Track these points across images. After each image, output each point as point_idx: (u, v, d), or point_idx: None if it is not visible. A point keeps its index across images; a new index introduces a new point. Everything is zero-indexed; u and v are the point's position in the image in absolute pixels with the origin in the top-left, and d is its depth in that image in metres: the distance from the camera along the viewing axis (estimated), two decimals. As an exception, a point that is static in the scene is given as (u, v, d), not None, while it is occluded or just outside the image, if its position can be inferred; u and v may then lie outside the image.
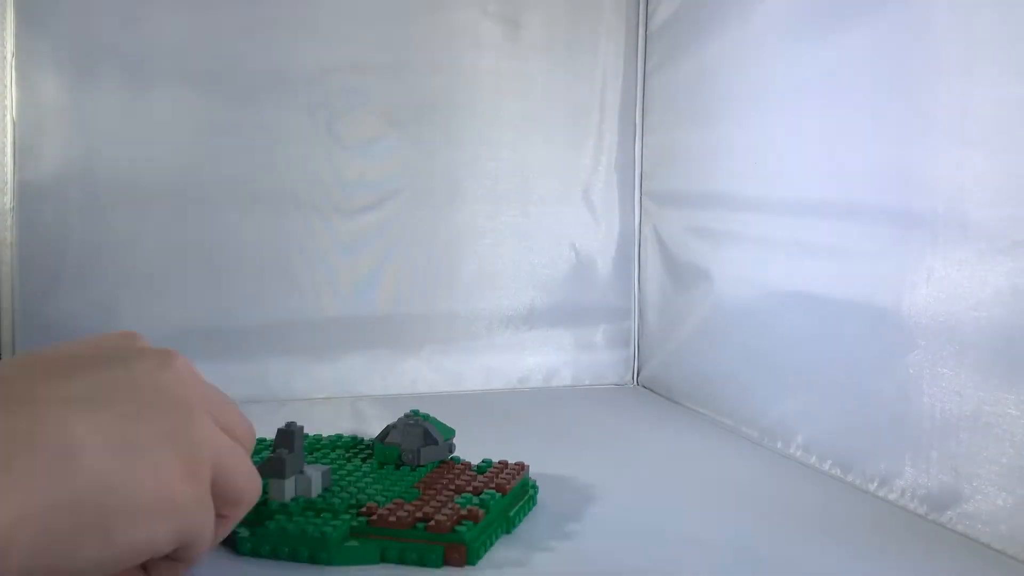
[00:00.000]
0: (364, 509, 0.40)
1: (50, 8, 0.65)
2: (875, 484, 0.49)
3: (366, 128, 0.73)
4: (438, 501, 0.41)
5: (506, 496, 0.43)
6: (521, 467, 0.47)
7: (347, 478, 0.45)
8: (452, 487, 0.43)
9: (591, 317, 0.79)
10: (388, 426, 0.49)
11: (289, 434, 0.42)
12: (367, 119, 0.73)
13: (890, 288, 0.48)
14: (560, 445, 0.57)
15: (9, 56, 0.65)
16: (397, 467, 0.47)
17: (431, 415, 0.50)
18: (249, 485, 0.32)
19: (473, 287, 0.76)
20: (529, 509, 0.45)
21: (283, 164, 0.71)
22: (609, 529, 0.43)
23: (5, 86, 0.65)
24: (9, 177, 0.65)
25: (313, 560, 0.38)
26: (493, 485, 0.43)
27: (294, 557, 0.38)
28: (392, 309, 0.74)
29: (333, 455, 0.49)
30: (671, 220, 0.74)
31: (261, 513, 0.39)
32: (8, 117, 0.65)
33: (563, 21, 0.77)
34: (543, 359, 0.78)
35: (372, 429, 0.54)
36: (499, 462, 0.47)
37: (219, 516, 0.31)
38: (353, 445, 0.51)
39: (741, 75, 0.64)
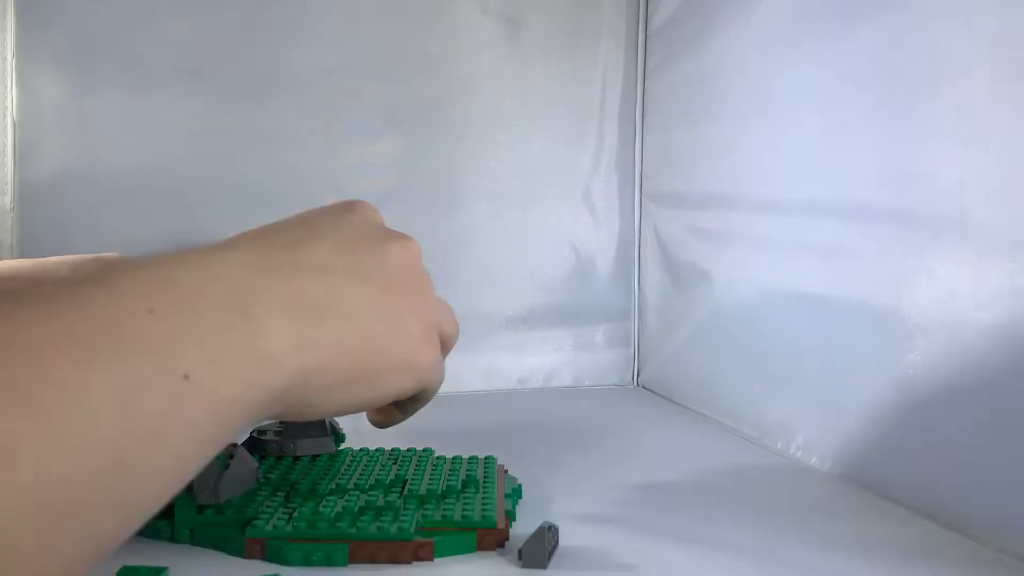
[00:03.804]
0: None
1: (50, 8, 0.65)
2: (875, 484, 0.49)
3: (366, 128, 0.73)
4: None
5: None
6: None
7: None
8: None
9: (591, 317, 0.79)
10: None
11: None
12: (367, 119, 0.73)
13: (890, 288, 0.48)
14: (560, 445, 0.57)
15: (9, 56, 0.65)
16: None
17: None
18: (455, 331, 0.39)
19: (473, 287, 0.76)
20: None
21: (283, 164, 0.71)
22: (608, 529, 0.43)
23: (5, 86, 0.65)
24: (9, 177, 0.65)
25: None
26: None
27: None
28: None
29: None
30: (671, 220, 0.74)
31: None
32: (8, 117, 0.65)
33: (563, 21, 0.77)
34: (543, 359, 0.78)
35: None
36: None
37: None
38: None
39: (741, 75, 0.64)
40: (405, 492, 0.42)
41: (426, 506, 0.41)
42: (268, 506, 0.40)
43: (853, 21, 0.52)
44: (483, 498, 0.42)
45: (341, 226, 0.34)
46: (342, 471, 0.45)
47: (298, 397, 0.29)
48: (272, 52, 0.70)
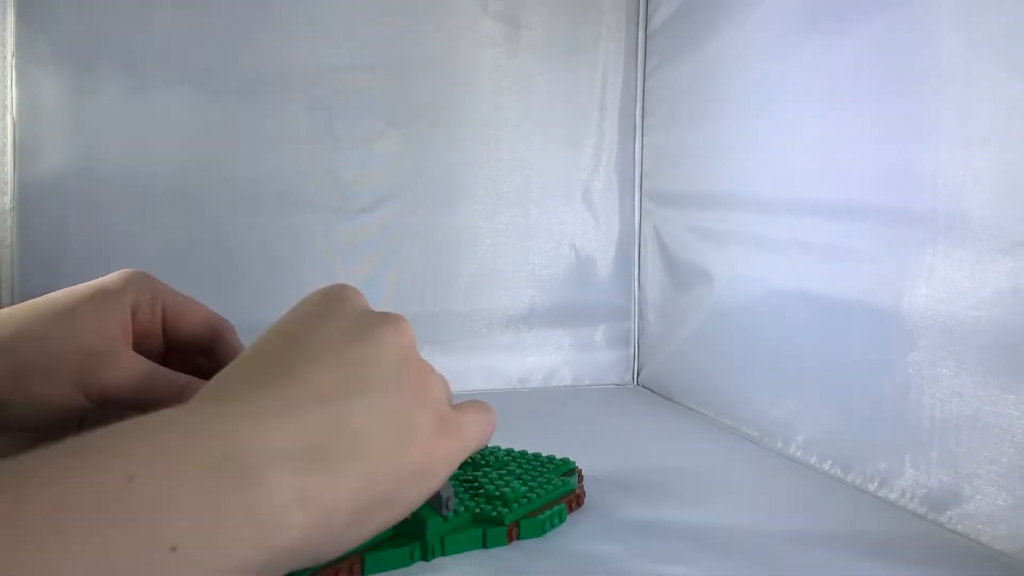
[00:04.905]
0: None
1: (50, 8, 0.65)
2: (875, 484, 0.49)
3: (366, 128, 0.73)
4: None
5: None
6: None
7: None
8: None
9: (591, 317, 0.79)
10: None
11: None
12: (367, 119, 0.73)
13: (890, 288, 0.48)
14: (560, 445, 0.57)
15: (9, 56, 0.65)
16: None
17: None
18: (483, 420, 0.35)
19: (473, 287, 0.76)
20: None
21: (283, 164, 0.71)
22: (609, 529, 0.43)
23: (5, 86, 0.65)
24: (9, 177, 0.65)
25: None
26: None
27: None
28: (392, 309, 0.74)
29: None
30: (671, 220, 0.74)
31: None
32: (8, 117, 0.65)
33: (563, 21, 0.77)
34: (543, 359, 0.78)
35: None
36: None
37: None
38: None
39: (741, 75, 0.64)
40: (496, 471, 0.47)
41: (527, 469, 0.47)
42: (468, 497, 0.43)
43: (853, 21, 0.52)
44: (541, 456, 0.49)
45: (329, 330, 0.31)
46: None
47: (312, 548, 0.26)
48: (272, 51, 0.70)
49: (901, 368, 0.47)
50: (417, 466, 0.30)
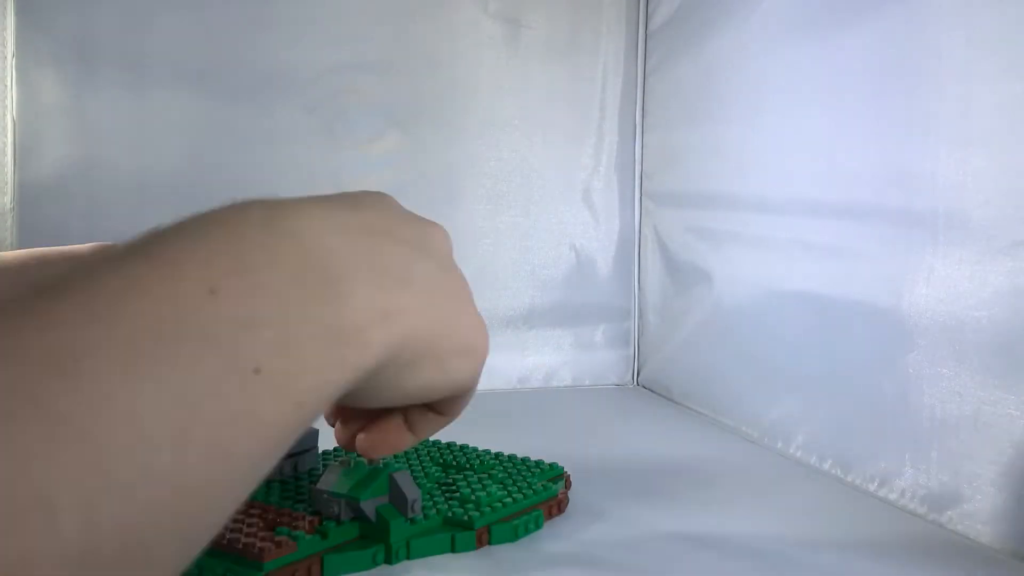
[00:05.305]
0: None
1: (50, 8, 0.65)
2: (875, 484, 0.49)
3: (366, 128, 0.73)
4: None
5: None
6: None
7: None
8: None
9: (591, 317, 0.79)
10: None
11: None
12: (367, 119, 0.73)
13: (890, 288, 0.48)
14: (560, 445, 0.57)
15: (9, 56, 0.65)
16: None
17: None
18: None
19: (473, 287, 0.75)
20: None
21: (283, 164, 0.71)
22: (609, 529, 0.43)
23: (5, 86, 0.65)
24: (9, 177, 0.65)
25: None
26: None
27: None
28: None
29: None
30: (671, 220, 0.74)
31: None
32: (8, 117, 0.65)
33: (563, 21, 0.77)
34: (543, 359, 0.78)
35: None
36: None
37: None
38: None
39: (741, 75, 0.64)
40: (479, 468, 0.47)
41: (511, 473, 0.46)
42: (443, 500, 0.42)
43: (853, 21, 0.52)
44: (530, 460, 0.48)
45: (389, 204, 0.30)
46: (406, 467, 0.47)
47: (384, 377, 0.25)
48: (272, 51, 0.70)
49: (901, 368, 0.47)
50: (468, 341, 0.30)
